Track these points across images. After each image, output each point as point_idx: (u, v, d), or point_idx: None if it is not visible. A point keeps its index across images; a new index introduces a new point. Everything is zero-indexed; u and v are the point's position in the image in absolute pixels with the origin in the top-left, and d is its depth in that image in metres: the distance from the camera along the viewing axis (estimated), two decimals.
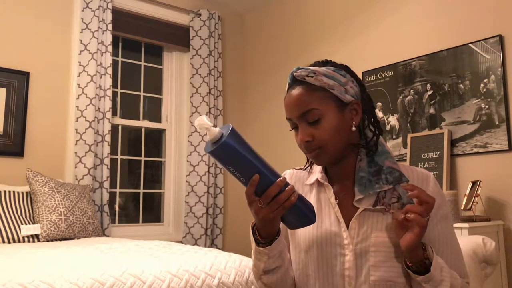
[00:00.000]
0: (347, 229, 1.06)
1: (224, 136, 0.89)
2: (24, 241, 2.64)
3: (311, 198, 1.16)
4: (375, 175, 1.07)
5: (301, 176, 1.23)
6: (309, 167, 1.23)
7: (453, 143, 2.89)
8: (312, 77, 1.06)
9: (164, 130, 4.06)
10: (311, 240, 1.10)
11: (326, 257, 1.08)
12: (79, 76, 3.40)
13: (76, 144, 3.31)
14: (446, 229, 1.07)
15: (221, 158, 0.90)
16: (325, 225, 1.09)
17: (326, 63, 1.14)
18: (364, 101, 1.12)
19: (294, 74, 1.09)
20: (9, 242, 2.59)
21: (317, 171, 1.18)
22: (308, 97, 1.06)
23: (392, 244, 1.02)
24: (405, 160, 3.08)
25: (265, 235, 1.04)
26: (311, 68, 1.08)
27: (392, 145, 3.23)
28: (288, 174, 1.25)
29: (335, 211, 1.10)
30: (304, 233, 1.12)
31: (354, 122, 1.08)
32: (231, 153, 0.89)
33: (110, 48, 3.53)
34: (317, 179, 1.16)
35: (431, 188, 1.08)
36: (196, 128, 0.94)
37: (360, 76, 3.46)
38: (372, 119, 1.13)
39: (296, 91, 1.08)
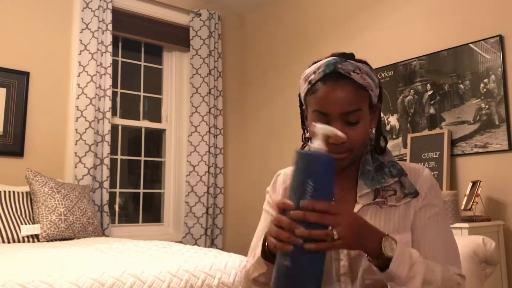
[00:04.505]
0: None
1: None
2: (24, 241, 2.64)
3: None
4: (378, 170, 1.05)
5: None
6: None
7: (453, 143, 2.89)
8: (358, 73, 1.00)
9: (164, 130, 4.06)
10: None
11: None
12: (79, 76, 3.40)
13: (76, 144, 3.31)
14: (435, 223, 1.03)
15: (316, 167, 0.85)
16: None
17: (352, 56, 1.07)
18: (381, 103, 1.11)
19: (339, 65, 1.00)
20: (9, 242, 2.58)
21: None
22: (356, 96, 1.00)
23: None
24: (405, 160, 3.08)
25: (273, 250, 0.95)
26: (354, 62, 1.02)
27: (392, 145, 3.23)
28: (280, 181, 1.18)
29: None
30: None
31: (374, 126, 1.08)
32: (328, 171, 0.86)
33: (110, 48, 3.52)
34: None
35: (423, 182, 1.05)
36: (316, 132, 0.91)
37: None
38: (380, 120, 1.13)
39: (342, 86, 0.99)
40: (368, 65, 1.07)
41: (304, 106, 1.12)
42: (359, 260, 1.00)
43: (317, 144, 0.88)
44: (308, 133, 1.11)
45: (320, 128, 0.88)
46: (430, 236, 1.02)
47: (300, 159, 0.87)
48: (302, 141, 1.16)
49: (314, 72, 1.03)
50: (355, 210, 1.03)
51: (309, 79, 1.04)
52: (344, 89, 0.99)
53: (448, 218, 1.09)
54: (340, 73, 1.00)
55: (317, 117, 1.01)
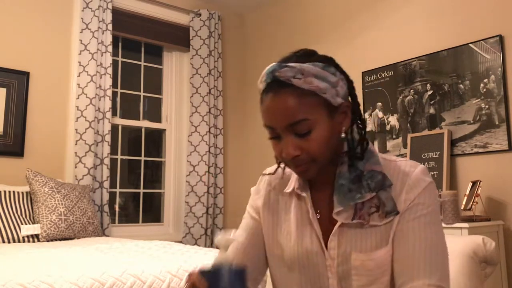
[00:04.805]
0: (326, 248, 0.95)
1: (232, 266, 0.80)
2: (24, 241, 2.64)
3: (290, 211, 1.03)
4: (356, 181, 0.94)
5: (279, 184, 1.07)
6: (281, 171, 1.08)
7: (453, 143, 2.89)
8: (300, 79, 0.88)
9: (164, 130, 4.06)
10: (293, 259, 0.99)
11: (310, 278, 0.97)
12: (79, 76, 3.40)
13: (76, 144, 3.31)
14: (422, 224, 0.92)
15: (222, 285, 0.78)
16: (306, 243, 0.98)
17: (309, 55, 0.95)
18: (353, 100, 0.97)
19: (277, 74, 0.90)
20: (9, 242, 2.58)
21: (294, 177, 1.04)
22: (298, 105, 0.88)
23: (373, 266, 0.92)
24: None
25: None
26: (297, 66, 0.89)
27: (392, 145, 3.23)
28: (265, 183, 1.10)
29: (315, 228, 0.97)
30: (287, 251, 1.01)
31: (344, 128, 0.94)
32: (236, 284, 0.79)
33: (110, 48, 3.52)
34: (294, 188, 1.02)
35: (411, 184, 0.93)
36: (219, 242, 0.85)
37: (360, 76, 3.46)
38: (359, 119, 0.98)
39: (281, 96, 0.89)
40: (327, 61, 0.94)
41: None
42: (347, 279, 0.94)
43: (221, 257, 0.81)
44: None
45: (220, 240, 0.81)
46: (412, 239, 0.91)
47: (206, 279, 0.79)
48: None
49: (260, 82, 0.95)
50: (338, 224, 0.94)
51: (258, 88, 0.96)
52: (285, 99, 0.89)
53: (440, 220, 0.99)
54: (280, 81, 0.90)
55: (267, 131, 0.95)
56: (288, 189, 1.04)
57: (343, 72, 0.96)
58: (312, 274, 0.97)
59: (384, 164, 0.97)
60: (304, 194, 1.00)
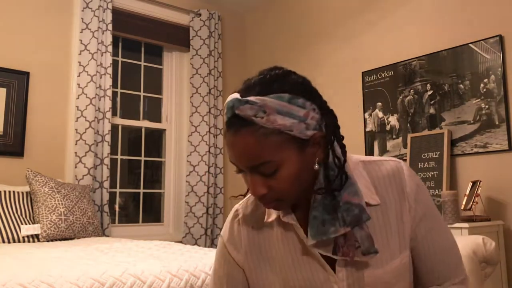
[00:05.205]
0: (334, 272, 0.88)
1: None
2: (24, 241, 2.64)
3: (277, 244, 0.94)
4: (331, 212, 0.86)
5: (256, 216, 0.98)
6: (254, 201, 1.00)
7: (453, 143, 2.89)
8: (262, 117, 0.79)
9: (164, 130, 4.06)
10: None
11: None
12: (79, 76, 3.40)
13: (76, 144, 3.31)
14: (430, 228, 0.93)
15: None
16: (307, 274, 0.90)
17: (276, 80, 0.85)
18: (328, 127, 0.87)
19: (237, 111, 0.80)
20: (9, 242, 2.59)
21: None
22: (260, 147, 0.80)
23: (389, 277, 0.88)
24: (405, 160, 3.07)
25: None
26: (259, 101, 0.80)
27: (392, 145, 3.23)
28: (240, 224, 0.99)
29: (314, 255, 0.90)
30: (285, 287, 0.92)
31: (317, 159, 0.86)
32: None
33: (110, 48, 3.53)
34: (278, 217, 0.93)
35: (408, 188, 0.91)
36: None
37: (360, 76, 3.46)
38: (338, 145, 0.90)
39: (242, 136, 0.80)
40: (298, 89, 0.84)
41: None
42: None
43: None
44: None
45: None
46: (431, 256, 0.93)
47: None
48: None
49: (223, 113, 0.87)
50: (338, 260, 0.88)
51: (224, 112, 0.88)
52: (246, 140, 0.80)
53: (440, 216, 1.01)
54: (240, 118, 0.81)
55: (234, 165, 0.88)
56: (270, 218, 0.95)
57: (314, 97, 0.86)
58: None
59: (367, 170, 0.93)
60: (293, 222, 0.91)
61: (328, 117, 0.87)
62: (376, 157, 0.96)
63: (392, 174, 0.92)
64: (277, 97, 0.81)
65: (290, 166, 0.82)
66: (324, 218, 0.86)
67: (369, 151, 3.35)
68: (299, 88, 0.84)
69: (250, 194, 0.98)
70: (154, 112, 4.10)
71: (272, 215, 0.94)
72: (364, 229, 0.85)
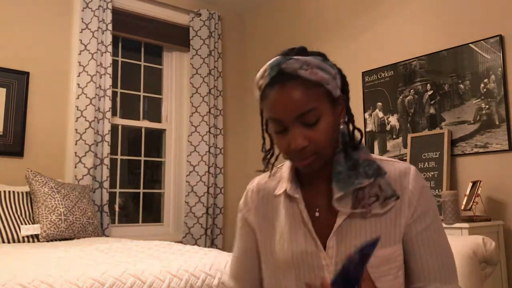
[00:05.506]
0: (324, 248, 0.95)
1: None
2: (24, 241, 2.64)
3: (281, 214, 1.03)
4: (353, 169, 0.95)
5: (269, 187, 1.08)
6: (268, 175, 1.09)
7: (453, 143, 2.89)
8: (306, 70, 0.91)
9: (164, 130, 4.06)
10: (288, 261, 0.98)
11: (305, 280, 0.96)
12: (79, 76, 3.40)
13: (76, 144, 3.31)
14: (427, 228, 0.97)
15: None
16: (300, 245, 0.97)
17: (305, 50, 0.97)
18: (346, 93, 1.00)
19: (283, 66, 0.92)
20: (9, 242, 2.58)
21: (284, 178, 1.04)
22: (306, 96, 0.90)
23: (377, 263, 0.92)
24: (405, 160, 3.07)
25: None
26: (301, 58, 0.92)
27: (392, 145, 3.23)
28: (253, 192, 1.10)
29: (308, 228, 0.97)
30: (280, 254, 1.00)
31: (342, 119, 0.98)
32: None
33: (110, 48, 3.52)
34: (285, 190, 1.02)
35: (411, 186, 0.96)
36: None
37: (360, 76, 3.46)
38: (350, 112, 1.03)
39: (288, 88, 0.90)
40: (322, 56, 0.97)
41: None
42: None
43: None
44: (269, 144, 1.04)
45: None
46: (424, 252, 0.97)
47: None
48: (262, 151, 1.06)
49: (262, 77, 0.96)
50: (338, 223, 0.95)
51: (259, 84, 0.97)
52: (293, 91, 0.90)
53: (441, 222, 1.03)
54: (286, 73, 0.91)
55: (273, 125, 0.95)
56: (279, 191, 1.04)
57: (336, 66, 0.99)
58: (308, 276, 0.96)
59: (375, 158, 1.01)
60: (296, 195, 1.00)
61: (347, 86, 1.00)
62: (391, 159, 1.04)
63: (399, 173, 0.98)
64: (314, 57, 0.94)
65: (327, 118, 0.93)
66: (349, 173, 0.95)
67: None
68: (324, 55, 0.98)
69: (266, 174, 1.09)
70: (154, 112, 4.10)
71: (281, 189, 1.04)
72: (384, 178, 0.95)
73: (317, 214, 0.99)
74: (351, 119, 1.01)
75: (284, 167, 1.07)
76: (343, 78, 1.00)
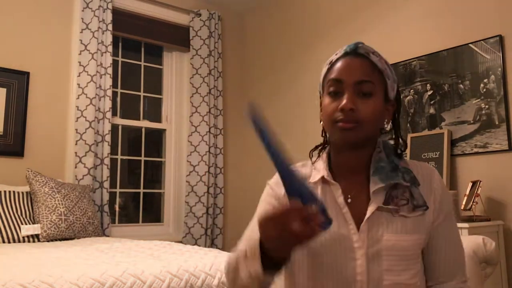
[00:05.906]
0: (357, 231, 1.01)
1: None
2: (24, 241, 2.64)
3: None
4: (393, 170, 1.05)
5: (306, 172, 1.14)
6: (311, 163, 1.15)
7: (453, 143, 2.89)
8: (377, 56, 1.05)
9: (164, 130, 4.06)
10: (319, 243, 1.00)
11: (336, 261, 1.01)
12: (79, 76, 3.40)
13: (76, 144, 3.31)
14: (449, 228, 1.07)
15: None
16: (333, 227, 1.00)
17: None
18: (398, 104, 1.12)
19: (360, 45, 1.06)
20: (9, 242, 2.59)
21: (321, 168, 1.11)
22: (371, 72, 1.03)
23: (404, 246, 1.00)
24: None
25: (274, 255, 0.89)
26: (376, 51, 1.07)
27: None
28: (274, 186, 1.16)
29: (343, 212, 1.03)
30: None
31: (386, 120, 1.09)
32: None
33: (110, 48, 3.53)
34: (322, 177, 1.08)
35: (435, 185, 1.07)
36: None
37: None
38: (397, 124, 1.13)
39: (358, 60, 1.04)
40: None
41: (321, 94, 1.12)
42: (376, 260, 0.99)
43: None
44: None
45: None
46: (449, 250, 1.06)
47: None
48: (322, 135, 1.15)
49: (336, 54, 1.08)
50: (369, 212, 1.01)
51: (330, 59, 1.09)
52: (361, 63, 1.04)
53: (455, 219, 1.10)
54: (359, 52, 1.05)
55: (332, 85, 1.04)
56: (314, 179, 1.10)
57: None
58: (338, 258, 1.01)
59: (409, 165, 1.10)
60: (332, 181, 1.07)
61: (400, 102, 1.12)
62: (415, 161, 1.14)
63: (426, 172, 1.08)
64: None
65: (378, 101, 1.03)
66: (388, 171, 1.04)
67: None
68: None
69: (315, 159, 1.14)
70: (154, 112, 4.10)
71: (316, 176, 1.10)
72: (418, 189, 1.04)
73: (349, 200, 1.05)
74: (397, 129, 1.12)
75: (318, 161, 1.14)
76: (399, 93, 1.12)
